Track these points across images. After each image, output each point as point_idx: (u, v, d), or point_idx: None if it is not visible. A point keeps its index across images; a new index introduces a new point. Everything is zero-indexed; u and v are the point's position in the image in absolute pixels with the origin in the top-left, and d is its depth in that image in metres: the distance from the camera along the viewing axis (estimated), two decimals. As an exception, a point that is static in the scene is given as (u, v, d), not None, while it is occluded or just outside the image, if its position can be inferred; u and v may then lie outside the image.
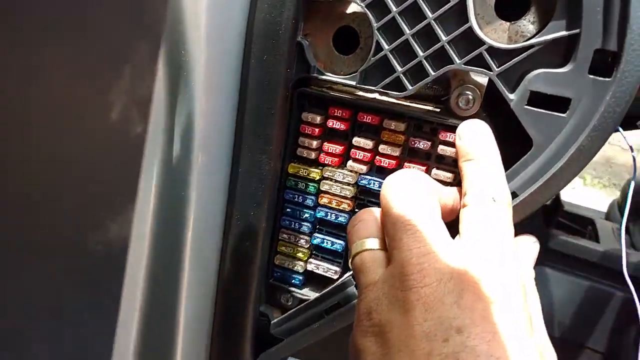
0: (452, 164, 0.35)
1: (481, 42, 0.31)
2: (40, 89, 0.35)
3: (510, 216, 0.29)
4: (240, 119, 0.35)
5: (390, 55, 0.33)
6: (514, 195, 0.32)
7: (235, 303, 0.40)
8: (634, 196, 1.19)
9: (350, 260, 0.31)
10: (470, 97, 0.33)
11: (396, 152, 0.36)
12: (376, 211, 0.32)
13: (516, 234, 0.30)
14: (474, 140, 0.31)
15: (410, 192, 0.29)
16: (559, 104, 0.31)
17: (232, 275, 0.39)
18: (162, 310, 0.39)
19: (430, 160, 0.36)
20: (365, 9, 0.33)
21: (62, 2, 0.32)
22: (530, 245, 0.33)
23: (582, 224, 0.99)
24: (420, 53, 0.32)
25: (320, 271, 0.40)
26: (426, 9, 0.32)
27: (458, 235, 0.29)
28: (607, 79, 0.29)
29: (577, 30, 0.29)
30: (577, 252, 0.85)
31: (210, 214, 0.37)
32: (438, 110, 0.35)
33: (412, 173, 0.31)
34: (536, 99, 0.31)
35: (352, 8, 0.35)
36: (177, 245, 0.37)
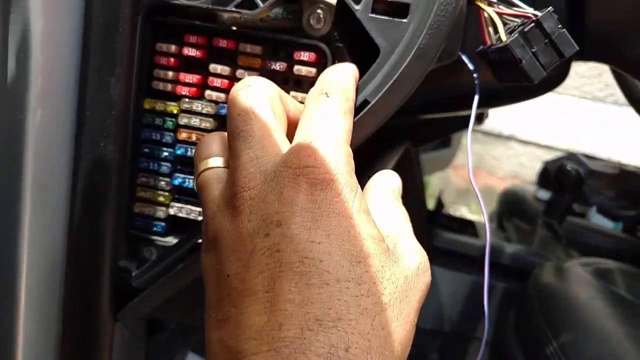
0: (309, 86, 0.35)
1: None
2: None
3: (343, 110, 0.29)
4: (86, 37, 0.33)
5: (237, -29, 0.33)
6: (366, 102, 0.33)
7: (90, 256, 0.36)
8: (509, 200, 1.29)
9: (195, 184, 0.31)
10: (321, 15, 0.34)
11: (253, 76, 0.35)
12: (220, 133, 0.32)
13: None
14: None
15: (248, 99, 0.29)
16: (400, 9, 0.32)
17: (83, 221, 0.36)
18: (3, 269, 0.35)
19: (289, 84, 0.36)
20: None
21: None
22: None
23: (463, 225, 1.06)
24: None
25: (183, 214, 0.38)
26: None
27: None
28: (437, -18, 0.31)
29: (407, -64, 0.31)
30: (458, 247, 0.90)
31: (53, 149, 0.34)
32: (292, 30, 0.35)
33: (258, 82, 0.30)
34: (379, 7, 0.33)
35: None
36: (11, 187, 0.33)
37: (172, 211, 0.38)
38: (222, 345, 0.24)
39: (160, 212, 0.38)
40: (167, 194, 0.38)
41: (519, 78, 0.34)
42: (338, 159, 0.26)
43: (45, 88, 0.33)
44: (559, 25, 0.32)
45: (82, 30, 0.33)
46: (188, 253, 0.36)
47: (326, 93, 0.29)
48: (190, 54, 0.36)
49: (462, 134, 1.04)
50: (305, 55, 0.34)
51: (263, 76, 0.35)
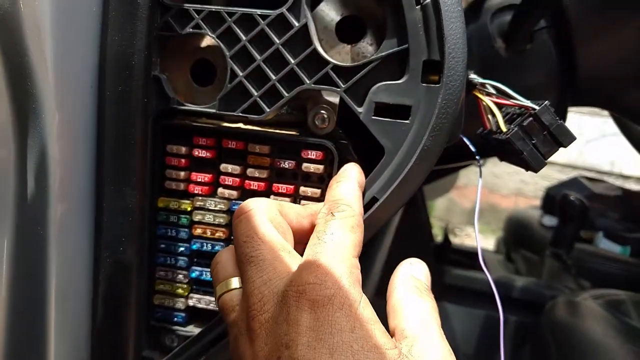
0: (317, 181, 0.37)
1: (327, 63, 0.34)
2: None
3: (350, 226, 0.30)
4: (100, 152, 0.34)
5: (246, 81, 0.35)
6: (375, 200, 0.34)
7: (113, 349, 0.38)
8: (515, 229, 1.29)
9: (216, 303, 0.32)
10: (325, 115, 0.36)
11: (264, 174, 0.37)
12: (231, 249, 0.32)
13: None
14: (341, 172, 0.34)
15: (251, 225, 0.30)
16: (402, 112, 0.34)
17: (106, 320, 0.37)
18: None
19: (297, 180, 0.37)
20: (217, 40, 0.35)
21: None
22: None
23: (470, 258, 1.06)
24: (273, 77, 0.34)
25: (202, 305, 0.39)
26: (273, 35, 0.34)
27: None
28: (436, 86, 0.32)
29: (405, 46, 0.33)
30: (467, 282, 0.90)
31: (75, 257, 0.35)
32: (297, 132, 0.36)
33: (253, 203, 0.31)
34: (381, 109, 0.34)
35: (206, 41, 0.37)
36: (38, 298, 0.35)
37: (191, 302, 0.39)
38: None
39: (180, 304, 0.39)
40: (185, 286, 0.39)
41: (521, 164, 0.35)
42: (339, 273, 0.27)
43: (64, 204, 0.34)
44: (556, 117, 0.34)
45: (96, 145, 0.35)
46: (210, 345, 0.38)
47: (332, 213, 0.30)
48: (200, 154, 0.37)
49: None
50: (312, 154, 0.36)
51: (272, 173, 0.37)
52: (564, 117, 0.57)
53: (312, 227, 0.32)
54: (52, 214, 0.33)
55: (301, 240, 0.32)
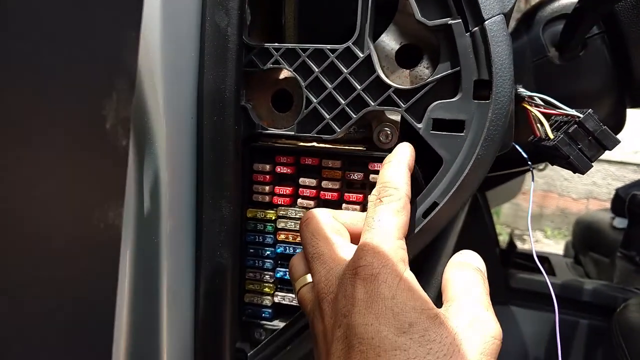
0: (384, 189, 0.42)
1: (388, 87, 0.39)
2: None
3: (395, 210, 0.35)
4: (200, 172, 0.41)
5: (319, 106, 0.40)
6: (435, 204, 0.39)
7: (213, 341, 0.44)
8: (584, 232, 1.27)
9: (296, 297, 0.38)
10: (389, 132, 0.41)
11: (336, 186, 0.42)
12: (301, 253, 0.39)
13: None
14: (393, 152, 0.39)
15: (310, 230, 0.37)
16: (457, 126, 0.38)
17: (207, 314, 0.44)
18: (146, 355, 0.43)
19: (366, 189, 0.42)
20: (294, 73, 0.41)
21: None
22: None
23: (539, 262, 1.06)
24: (342, 101, 0.40)
25: (286, 301, 0.45)
26: (341, 66, 0.39)
27: None
28: (486, 101, 0.37)
29: (457, 68, 0.37)
30: (535, 286, 0.91)
31: (181, 261, 0.42)
32: (365, 148, 0.42)
33: (311, 212, 0.38)
34: (439, 124, 0.38)
35: (284, 74, 0.43)
36: (154, 294, 0.41)
37: (276, 299, 0.45)
38: None
39: (267, 301, 0.45)
40: (271, 285, 0.45)
41: (569, 167, 0.39)
42: (384, 255, 0.32)
43: (172, 217, 0.41)
44: (600, 124, 0.37)
45: (197, 166, 0.41)
46: (294, 336, 0.43)
47: (380, 199, 0.35)
48: (282, 171, 0.43)
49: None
50: (378, 166, 0.41)
51: (344, 184, 0.42)
52: (622, 120, 0.59)
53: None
54: (164, 226, 0.40)
55: (358, 238, 0.37)
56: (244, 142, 0.43)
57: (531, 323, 0.87)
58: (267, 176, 0.43)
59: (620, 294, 0.84)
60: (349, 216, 0.39)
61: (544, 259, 1.03)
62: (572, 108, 0.39)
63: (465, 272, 0.34)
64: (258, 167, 0.44)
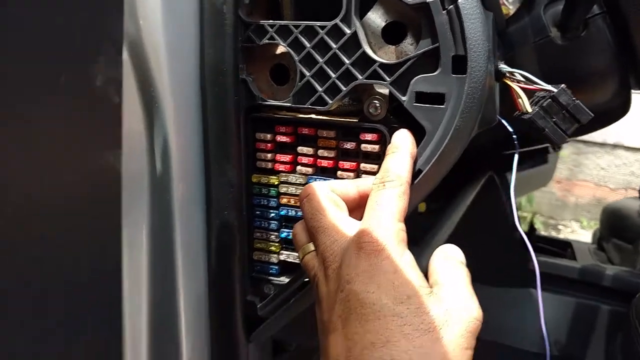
0: (375, 158, 0.45)
1: (374, 61, 0.42)
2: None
3: (397, 195, 0.38)
4: (205, 139, 0.46)
5: (312, 79, 0.44)
6: (419, 171, 0.42)
7: (225, 294, 0.49)
8: (610, 218, 1.25)
9: (300, 262, 0.42)
10: (378, 104, 0.44)
11: (332, 154, 0.46)
12: (303, 222, 0.43)
13: (498, 256, 0.39)
14: (393, 140, 0.42)
15: (313, 205, 0.41)
16: (438, 98, 0.41)
17: (218, 269, 0.49)
18: (166, 308, 0.49)
19: (359, 157, 0.46)
20: (288, 48, 0.45)
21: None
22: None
23: (561, 247, 1.06)
24: (333, 75, 0.44)
25: (291, 259, 0.50)
26: (330, 42, 0.43)
27: None
28: (463, 75, 0.40)
29: (437, 44, 0.40)
30: (558, 271, 0.92)
31: (193, 220, 0.47)
32: (357, 119, 0.45)
33: (311, 188, 0.41)
34: (422, 97, 0.42)
35: (280, 49, 0.47)
36: (169, 251, 0.47)
37: (282, 257, 0.50)
38: None
39: (273, 258, 0.50)
40: (277, 244, 0.50)
41: (547, 140, 0.41)
42: (387, 234, 0.36)
43: (182, 177, 0.46)
44: (573, 98, 0.39)
45: (202, 134, 0.46)
46: (297, 290, 0.48)
47: (384, 183, 0.39)
48: (281, 140, 0.47)
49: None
50: (369, 136, 0.44)
51: (338, 153, 0.46)
52: (628, 101, 0.59)
53: (359, 195, 0.42)
54: (175, 187, 0.45)
55: (352, 206, 0.42)
56: (246, 113, 0.47)
57: (551, 306, 0.88)
58: (269, 144, 0.48)
59: (640, 280, 0.83)
60: (344, 186, 0.43)
61: (567, 244, 1.03)
62: (574, 88, 0.41)
63: (450, 262, 0.38)
64: (260, 136, 0.48)
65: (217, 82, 0.44)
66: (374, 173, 0.45)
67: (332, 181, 0.43)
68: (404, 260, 0.36)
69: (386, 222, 0.37)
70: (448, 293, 0.36)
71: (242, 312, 0.50)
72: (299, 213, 0.48)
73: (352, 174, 0.46)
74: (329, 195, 0.41)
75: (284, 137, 0.47)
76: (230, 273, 0.49)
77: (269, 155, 0.48)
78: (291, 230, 0.48)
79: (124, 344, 0.48)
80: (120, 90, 0.26)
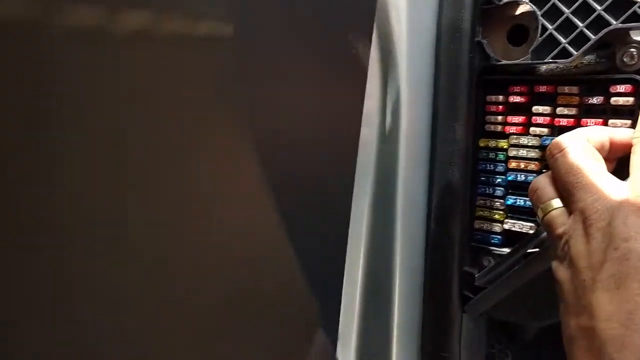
0: (627, 113, 0.41)
1: (634, 2, 0.38)
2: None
3: None
4: (435, 96, 0.46)
5: (555, 32, 0.42)
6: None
7: (443, 260, 0.48)
8: None
9: (540, 220, 0.39)
10: (634, 52, 0.40)
11: (572, 112, 0.43)
12: (546, 176, 0.40)
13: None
14: None
15: (570, 158, 0.37)
16: None
17: (437, 232, 0.48)
18: (381, 275, 0.49)
19: (606, 114, 0.42)
20: (529, 4, 0.43)
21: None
22: None
23: None
24: (580, 24, 0.41)
25: (516, 228, 0.47)
26: (580, -12, 0.40)
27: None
28: None
29: None
30: None
31: (415, 176, 0.48)
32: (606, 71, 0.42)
33: (566, 141, 0.38)
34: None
35: (520, 9, 0.45)
36: (389, 207, 0.48)
37: (506, 226, 0.47)
38: (579, 328, 0.32)
39: (497, 227, 0.48)
40: (501, 212, 0.48)
41: None
42: None
43: (409, 131, 0.47)
44: None
45: (433, 91, 0.47)
46: (523, 257, 0.45)
47: None
48: (515, 100, 0.45)
49: None
50: (621, 88, 0.40)
51: (581, 110, 0.43)
52: None
53: (613, 145, 0.38)
54: (402, 137, 0.46)
55: (607, 156, 0.38)
56: (479, 76, 0.46)
57: None
58: (500, 106, 0.46)
59: None
60: (599, 135, 0.38)
61: None
62: None
63: None
64: (491, 99, 0.47)
65: (453, 40, 0.45)
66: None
67: (586, 129, 0.40)
68: None
69: None
70: None
71: (458, 281, 0.48)
72: (529, 178, 0.45)
73: (596, 134, 0.42)
74: (588, 149, 0.37)
75: (518, 97, 0.45)
76: (450, 238, 0.48)
77: (500, 118, 0.47)
78: (517, 198, 0.46)
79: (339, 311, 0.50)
80: (368, 53, 0.28)
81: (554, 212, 0.38)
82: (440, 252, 0.49)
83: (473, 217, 0.49)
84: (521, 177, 0.46)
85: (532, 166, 0.45)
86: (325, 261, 0.43)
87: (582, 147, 0.37)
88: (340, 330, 0.52)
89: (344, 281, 0.51)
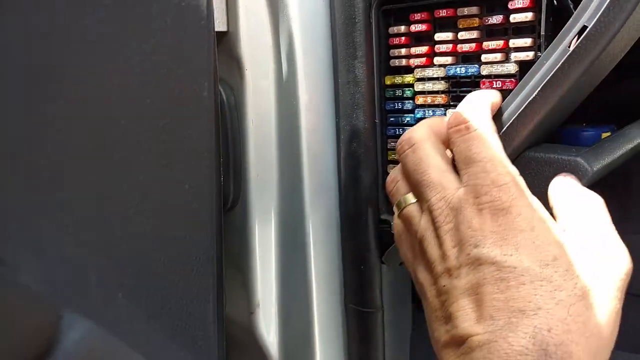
0: (527, 31, 0.38)
1: None
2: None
3: (484, 142, 0.33)
4: (333, 33, 0.42)
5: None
6: (585, 27, 0.33)
7: (356, 207, 0.45)
8: None
9: (397, 216, 0.37)
10: (530, -38, 0.36)
11: (474, 35, 0.39)
12: (399, 172, 0.38)
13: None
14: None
15: (417, 155, 0.35)
16: None
17: (349, 179, 0.45)
18: (293, 222, 0.46)
19: (507, 34, 0.39)
20: None
21: None
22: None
23: None
24: None
25: (429, 169, 0.44)
26: None
27: None
28: None
29: None
30: None
31: (320, 123, 0.44)
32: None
33: (416, 136, 0.36)
34: None
35: None
36: (295, 157, 0.44)
37: (418, 168, 0.44)
38: (448, 335, 0.31)
39: (410, 171, 0.45)
40: (412, 154, 0.44)
41: None
42: (510, 185, 0.31)
43: (308, 77, 0.43)
44: None
45: (329, 28, 0.43)
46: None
47: (466, 127, 0.34)
48: (417, 29, 0.42)
49: None
50: (519, 2, 0.37)
51: (483, 33, 0.39)
52: None
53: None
54: (301, 85, 0.43)
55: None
56: (377, 6, 0.43)
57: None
58: (403, 38, 0.43)
59: None
60: (440, 123, 0.37)
61: None
62: None
63: (582, 196, 0.33)
64: (393, 30, 0.43)
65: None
66: (526, 49, 0.37)
67: (431, 120, 0.38)
68: (537, 212, 0.31)
69: (501, 171, 0.32)
70: (591, 244, 0.31)
71: (375, 229, 0.45)
72: (437, 112, 0.42)
73: (498, 55, 0.39)
74: (436, 144, 0.36)
75: (420, 24, 0.42)
76: (362, 186, 0.45)
77: (403, 51, 0.43)
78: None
79: (254, 257, 0.47)
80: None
81: (409, 208, 0.36)
82: (354, 202, 0.46)
83: (386, 161, 0.46)
84: (429, 113, 0.43)
85: (439, 99, 0.42)
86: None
87: (431, 142, 0.36)
88: (259, 296, 0.49)
89: (257, 242, 0.48)
